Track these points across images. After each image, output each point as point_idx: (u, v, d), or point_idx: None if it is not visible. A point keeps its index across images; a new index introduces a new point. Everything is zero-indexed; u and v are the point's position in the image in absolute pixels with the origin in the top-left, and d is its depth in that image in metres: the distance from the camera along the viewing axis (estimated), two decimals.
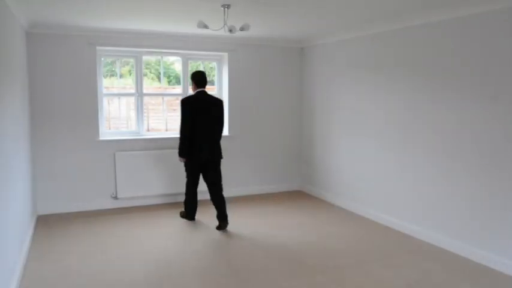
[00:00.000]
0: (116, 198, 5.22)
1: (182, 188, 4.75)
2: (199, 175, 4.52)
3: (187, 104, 4.24)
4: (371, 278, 3.27)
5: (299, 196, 5.93)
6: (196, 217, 4.79)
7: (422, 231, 4.12)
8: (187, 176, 4.57)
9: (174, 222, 4.67)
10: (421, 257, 3.69)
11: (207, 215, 4.91)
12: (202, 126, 4.25)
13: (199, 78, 4.29)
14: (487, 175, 3.50)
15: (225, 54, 5.70)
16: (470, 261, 3.60)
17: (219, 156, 4.44)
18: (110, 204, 5.21)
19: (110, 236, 4.23)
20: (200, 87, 4.29)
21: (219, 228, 4.39)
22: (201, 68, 5.76)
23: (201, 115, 4.23)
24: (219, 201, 4.40)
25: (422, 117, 4.08)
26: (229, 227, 4.47)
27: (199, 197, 5.31)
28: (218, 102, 4.38)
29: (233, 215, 4.96)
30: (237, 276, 3.31)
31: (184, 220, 4.74)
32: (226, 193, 5.71)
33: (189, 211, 4.70)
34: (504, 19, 3.30)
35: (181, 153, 4.33)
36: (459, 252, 3.74)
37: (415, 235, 4.20)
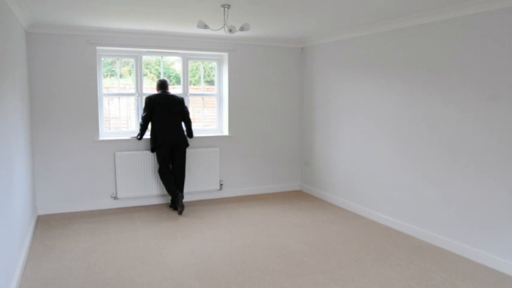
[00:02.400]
0: (116, 198, 5.23)
1: None
2: (169, 161, 5.06)
3: (148, 100, 5.00)
4: (371, 278, 3.27)
5: (299, 196, 5.93)
6: (195, 217, 4.79)
7: (422, 231, 4.12)
8: (159, 164, 5.03)
9: (174, 222, 4.67)
10: (421, 257, 3.69)
11: (206, 215, 4.92)
12: (163, 117, 4.97)
13: (158, 84, 5.14)
14: (487, 175, 3.50)
15: (225, 54, 5.70)
16: (470, 261, 3.61)
17: (184, 140, 5.09)
18: (110, 204, 5.21)
19: (109, 236, 4.23)
20: (160, 90, 5.08)
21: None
22: (200, 68, 5.84)
23: (161, 109, 4.97)
24: (178, 180, 5.10)
25: (423, 118, 4.09)
26: (229, 227, 4.48)
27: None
28: (177, 99, 5.10)
29: (234, 215, 4.96)
30: (237, 276, 3.31)
31: (183, 220, 4.74)
32: (226, 193, 5.78)
33: (172, 200, 5.12)
34: (504, 19, 3.30)
35: (140, 138, 5.11)
36: (459, 252, 3.74)
37: (415, 235, 4.20)
